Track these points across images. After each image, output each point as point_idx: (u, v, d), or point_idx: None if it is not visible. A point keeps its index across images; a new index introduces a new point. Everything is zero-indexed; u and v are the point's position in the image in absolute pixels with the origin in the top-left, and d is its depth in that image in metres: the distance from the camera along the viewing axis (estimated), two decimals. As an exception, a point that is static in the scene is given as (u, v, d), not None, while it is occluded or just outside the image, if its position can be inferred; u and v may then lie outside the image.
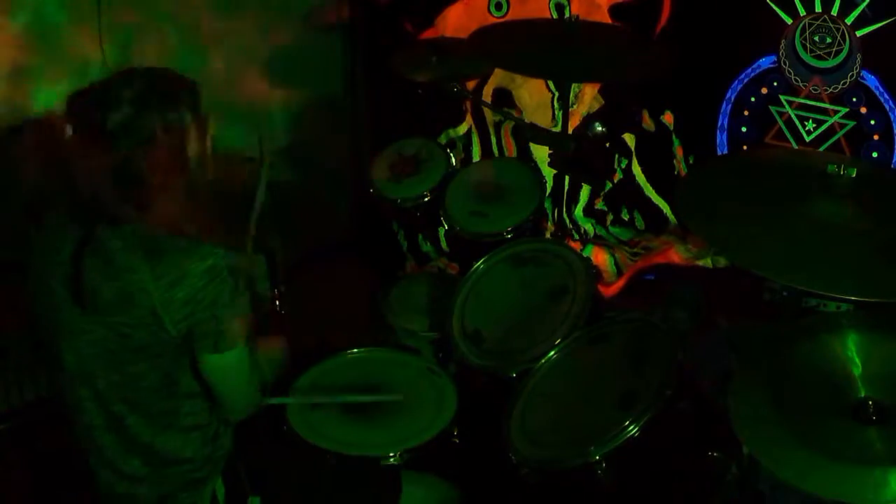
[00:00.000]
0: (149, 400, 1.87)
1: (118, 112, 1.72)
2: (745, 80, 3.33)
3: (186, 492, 1.96)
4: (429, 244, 3.80)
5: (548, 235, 3.28)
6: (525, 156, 3.72)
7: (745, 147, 3.39)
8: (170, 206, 1.78)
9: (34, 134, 1.82)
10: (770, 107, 3.31)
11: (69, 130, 1.76)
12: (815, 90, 3.20)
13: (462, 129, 3.88)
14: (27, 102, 3.23)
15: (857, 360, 2.00)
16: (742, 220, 2.08)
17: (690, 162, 3.54)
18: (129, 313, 1.76)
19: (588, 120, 3.65)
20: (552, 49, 2.91)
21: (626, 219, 3.71)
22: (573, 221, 3.76)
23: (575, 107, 3.60)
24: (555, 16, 3.59)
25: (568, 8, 3.56)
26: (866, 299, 1.93)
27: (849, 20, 3.06)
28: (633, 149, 3.63)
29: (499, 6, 3.68)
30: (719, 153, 3.43)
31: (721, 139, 3.43)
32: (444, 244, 3.63)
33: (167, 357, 1.82)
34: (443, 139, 3.86)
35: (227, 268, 1.79)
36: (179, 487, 1.95)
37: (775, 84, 3.27)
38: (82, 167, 1.75)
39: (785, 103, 3.27)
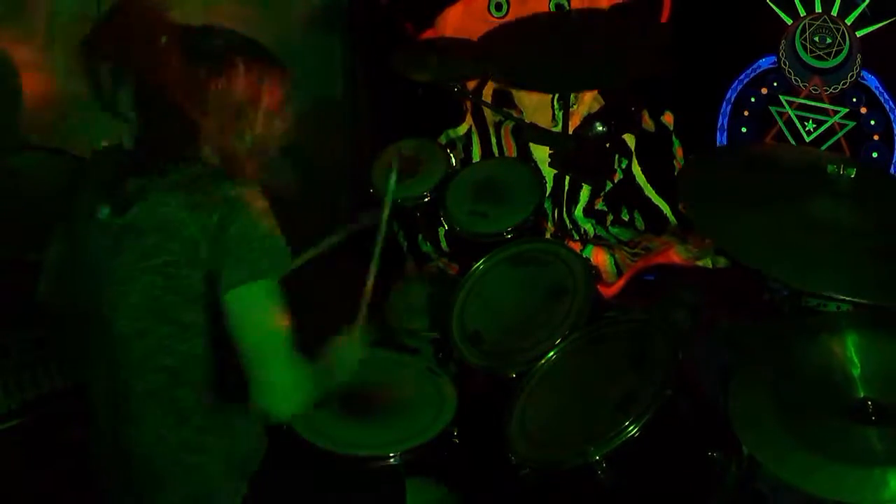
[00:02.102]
0: (205, 353, 1.83)
1: (206, 41, 1.84)
2: (745, 81, 3.33)
3: None
4: (429, 244, 3.80)
5: (548, 235, 3.28)
6: (525, 156, 3.72)
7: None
8: (220, 151, 1.82)
9: (139, 15, 1.81)
10: (770, 107, 3.31)
11: (164, 38, 1.78)
12: (815, 90, 3.20)
13: (462, 129, 3.88)
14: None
15: (856, 360, 2.00)
16: (742, 213, 2.08)
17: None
18: (173, 249, 1.76)
19: (588, 120, 3.65)
20: (553, 56, 2.90)
21: (626, 219, 3.71)
22: (573, 221, 3.76)
23: (575, 107, 3.60)
24: (555, 16, 3.59)
25: (568, 8, 3.56)
26: (861, 300, 1.93)
27: (849, 20, 3.06)
28: (633, 149, 3.63)
29: (499, 6, 3.68)
30: (719, 153, 3.44)
31: (721, 139, 3.43)
32: (444, 244, 3.63)
33: (211, 302, 1.79)
34: (443, 139, 3.86)
35: (263, 204, 1.79)
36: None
37: (775, 84, 3.27)
38: (154, 70, 1.78)
39: (785, 103, 3.27)
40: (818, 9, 3.11)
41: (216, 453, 1.90)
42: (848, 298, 1.97)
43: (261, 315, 1.78)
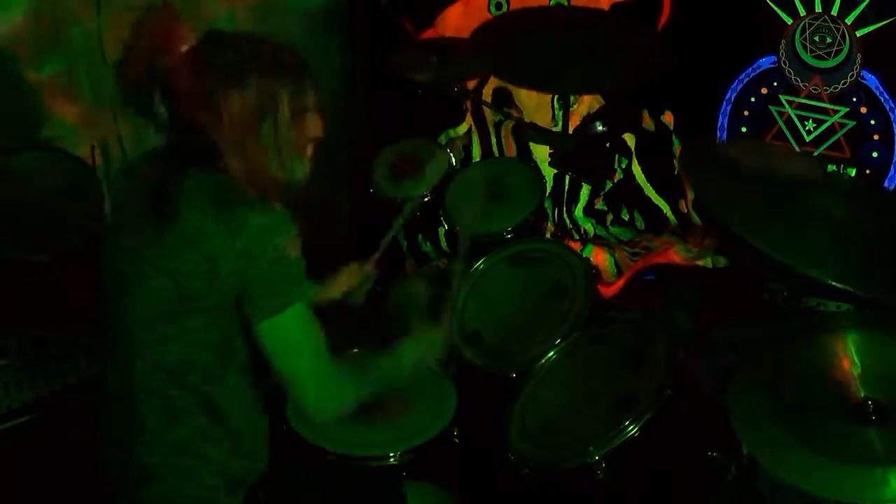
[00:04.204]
0: (203, 359, 1.85)
1: (221, 52, 1.80)
2: (745, 80, 3.33)
3: None
4: (429, 244, 3.80)
5: (548, 235, 3.28)
6: (525, 156, 3.72)
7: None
8: (243, 162, 1.81)
9: (161, 22, 1.81)
10: (770, 107, 3.31)
11: (183, 48, 1.80)
12: (815, 90, 3.20)
13: (462, 129, 3.88)
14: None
15: (856, 360, 2.00)
16: (743, 193, 2.08)
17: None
18: (187, 258, 1.77)
19: (588, 120, 3.66)
20: (553, 58, 2.90)
21: (626, 219, 3.71)
22: (573, 221, 3.76)
23: (575, 107, 3.60)
24: (555, 16, 3.59)
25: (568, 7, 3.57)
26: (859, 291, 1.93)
27: (849, 20, 3.06)
28: (633, 149, 3.63)
29: (499, 6, 3.68)
30: (719, 153, 3.43)
31: (721, 139, 3.43)
32: (444, 244, 3.63)
33: (222, 314, 1.82)
34: (443, 139, 3.86)
35: (291, 232, 1.80)
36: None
37: (775, 84, 3.27)
38: (171, 80, 1.80)
39: (785, 103, 3.27)
40: (818, 8, 3.11)
41: (212, 464, 1.90)
42: (849, 289, 1.97)
43: (291, 345, 1.85)
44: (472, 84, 3.71)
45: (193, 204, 1.79)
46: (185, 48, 1.81)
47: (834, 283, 1.89)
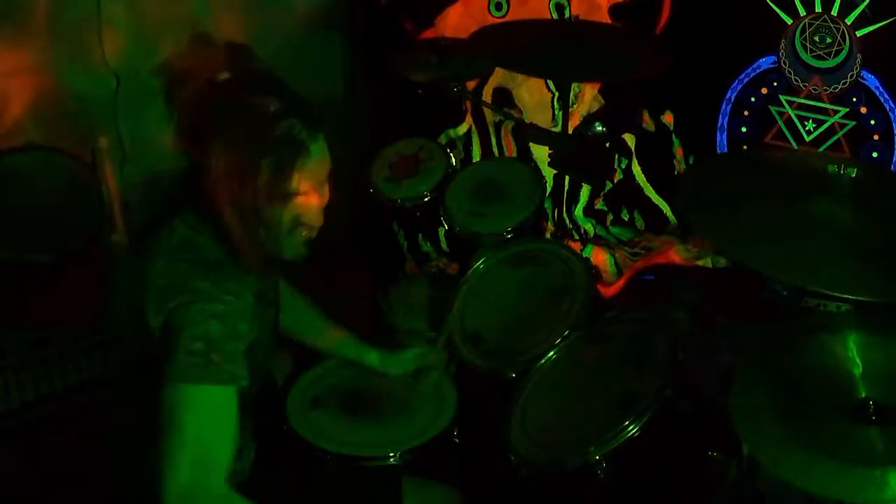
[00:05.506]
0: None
1: (215, 104, 1.71)
2: (745, 80, 3.33)
3: None
4: (429, 244, 3.80)
5: (548, 235, 3.28)
6: (525, 156, 3.72)
7: (745, 147, 3.39)
8: (221, 221, 1.72)
9: (197, 56, 1.72)
10: (770, 107, 3.31)
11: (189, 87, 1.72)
12: (815, 90, 3.20)
13: (462, 129, 3.88)
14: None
15: (857, 360, 2.00)
16: (742, 214, 2.08)
17: (690, 162, 3.55)
18: (137, 294, 1.74)
19: (588, 120, 3.66)
20: (552, 48, 2.91)
21: (626, 219, 3.71)
22: (573, 221, 3.76)
23: (575, 107, 3.60)
24: (555, 16, 3.59)
25: (568, 8, 3.57)
26: (861, 298, 1.93)
27: (849, 20, 3.06)
28: (633, 149, 3.63)
29: (499, 6, 3.68)
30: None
31: (721, 139, 3.43)
32: (444, 244, 3.63)
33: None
34: (443, 139, 3.86)
35: (232, 306, 1.69)
36: None
37: (775, 84, 3.27)
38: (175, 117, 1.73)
39: (785, 103, 3.27)
40: (818, 8, 3.11)
41: None
42: (850, 297, 1.97)
43: (173, 428, 1.64)
44: (472, 84, 3.71)
45: (161, 247, 1.74)
46: (212, 78, 1.72)
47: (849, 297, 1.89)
